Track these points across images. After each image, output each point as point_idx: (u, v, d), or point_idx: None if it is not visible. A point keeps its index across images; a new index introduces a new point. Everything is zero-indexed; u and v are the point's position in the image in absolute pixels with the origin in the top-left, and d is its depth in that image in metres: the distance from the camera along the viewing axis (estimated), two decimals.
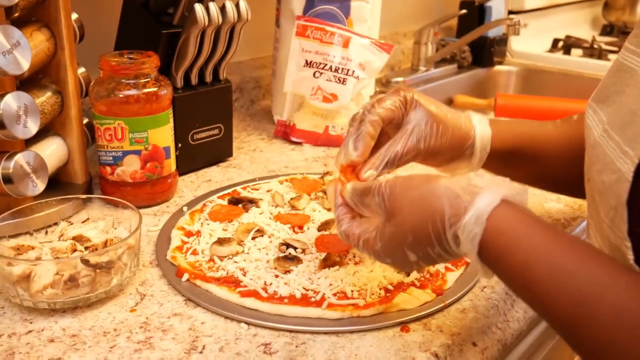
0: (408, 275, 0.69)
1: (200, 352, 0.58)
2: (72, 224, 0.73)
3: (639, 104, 0.48)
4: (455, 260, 0.73)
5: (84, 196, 0.75)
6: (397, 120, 0.67)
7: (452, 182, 0.52)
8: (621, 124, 0.49)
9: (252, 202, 0.85)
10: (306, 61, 1.13)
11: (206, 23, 0.88)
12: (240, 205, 0.85)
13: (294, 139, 1.16)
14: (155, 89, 0.83)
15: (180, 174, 0.98)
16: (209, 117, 1.00)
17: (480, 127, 0.72)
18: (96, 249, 0.67)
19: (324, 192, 0.87)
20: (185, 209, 0.85)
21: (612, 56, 1.95)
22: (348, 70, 1.11)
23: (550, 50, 2.02)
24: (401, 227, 0.53)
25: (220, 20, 0.90)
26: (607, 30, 2.41)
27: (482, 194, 0.49)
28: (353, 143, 0.65)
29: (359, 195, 0.58)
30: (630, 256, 0.46)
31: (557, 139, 0.75)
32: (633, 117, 0.47)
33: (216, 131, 1.02)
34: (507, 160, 0.74)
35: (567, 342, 0.47)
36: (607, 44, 2.06)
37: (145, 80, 0.83)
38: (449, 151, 0.70)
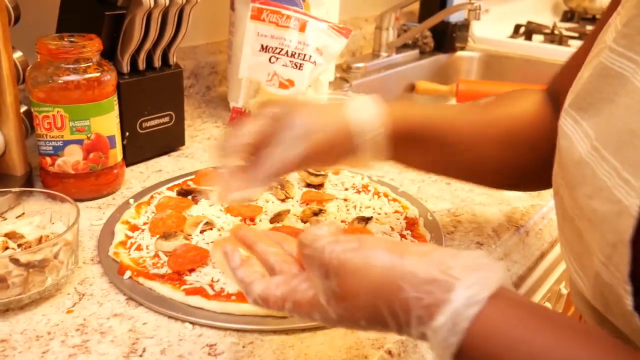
0: None
1: (140, 355, 0.55)
2: (5, 219, 0.69)
3: (638, 121, 0.41)
4: None
5: (16, 189, 0.71)
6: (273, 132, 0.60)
7: (422, 263, 0.40)
8: (617, 144, 0.42)
9: (202, 193, 0.81)
10: (262, 46, 1.09)
11: (152, 4, 0.84)
12: (189, 197, 0.81)
13: None
14: (97, 74, 0.79)
15: (129, 165, 0.93)
16: (158, 104, 0.95)
17: (358, 112, 0.62)
18: (30, 246, 0.62)
19: (278, 183, 0.83)
20: (131, 201, 0.81)
21: (572, 42, 1.96)
22: (305, 55, 1.08)
23: (512, 36, 2.02)
24: (352, 314, 0.42)
25: (167, 2, 0.86)
26: (567, 16, 2.43)
27: (459, 288, 0.38)
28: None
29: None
30: (629, 301, 0.40)
31: (463, 122, 0.68)
32: (632, 138, 0.41)
33: (167, 119, 0.97)
34: (406, 146, 0.64)
35: None
36: (567, 29, 2.07)
37: (87, 64, 0.78)
38: (331, 146, 0.61)
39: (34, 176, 0.86)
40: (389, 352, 0.57)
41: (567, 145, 0.49)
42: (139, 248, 0.69)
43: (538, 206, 0.87)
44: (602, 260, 0.42)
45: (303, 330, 0.59)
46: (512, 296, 0.40)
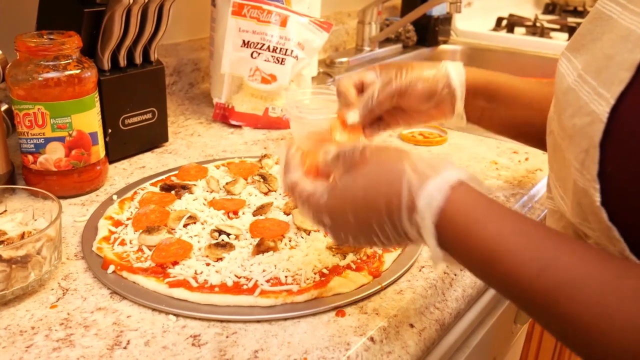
0: (341, 252, 0.67)
1: (125, 348, 0.55)
2: None
3: (615, 48, 0.47)
4: None
5: None
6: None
7: (422, 157, 0.50)
8: (597, 68, 0.48)
9: (185, 188, 0.81)
10: (243, 41, 1.09)
11: (131, 1, 0.84)
12: (172, 192, 0.81)
13: (233, 122, 1.12)
14: (77, 71, 0.79)
15: (112, 161, 0.93)
16: (140, 100, 0.95)
17: (452, 64, 0.77)
18: (12, 242, 0.62)
19: (261, 176, 0.84)
20: (115, 197, 0.81)
21: (553, 34, 1.97)
22: (286, 50, 1.08)
23: (494, 29, 2.03)
24: (356, 180, 0.51)
25: None
26: (549, 9, 2.45)
27: (448, 169, 0.48)
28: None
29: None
30: (597, 198, 0.46)
31: (537, 91, 0.78)
32: (609, 61, 0.47)
33: (149, 115, 0.97)
34: (488, 99, 0.78)
35: (540, 320, 0.45)
36: (549, 22, 2.08)
37: (67, 61, 0.78)
38: (425, 89, 0.75)
39: (17, 174, 0.86)
40: (371, 339, 0.57)
41: (559, 80, 0.55)
42: (122, 243, 0.69)
43: (519, 194, 0.88)
44: (577, 167, 0.48)
45: (286, 319, 0.59)
46: (485, 196, 0.48)
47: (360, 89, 0.76)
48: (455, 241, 0.47)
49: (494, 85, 0.79)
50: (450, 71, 0.77)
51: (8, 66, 0.80)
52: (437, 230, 0.47)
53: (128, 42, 0.90)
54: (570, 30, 1.93)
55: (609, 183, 0.45)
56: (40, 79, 0.77)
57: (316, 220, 0.54)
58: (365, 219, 0.51)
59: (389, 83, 0.74)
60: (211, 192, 0.82)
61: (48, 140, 0.79)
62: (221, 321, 0.59)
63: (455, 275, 0.70)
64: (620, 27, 0.48)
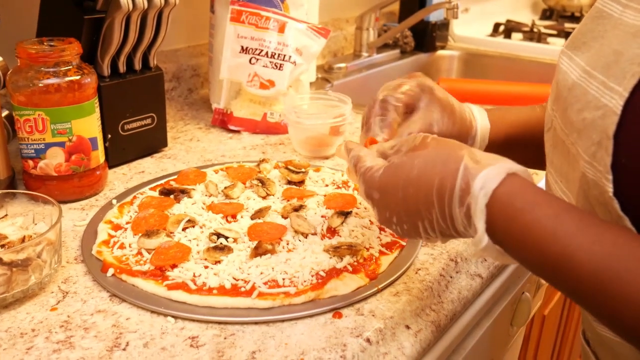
0: (338, 254, 0.68)
1: (124, 349, 0.56)
2: None
3: (624, 44, 0.49)
4: (391, 244, 0.72)
5: None
6: (413, 105, 0.71)
7: (480, 152, 0.53)
8: (605, 63, 0.50)
9: (184, 192, 0.82)
10: (242, 47, 1.10)
11: (130, 7, 0.85)
12: (171, 196, 0.82)
13: (231, 127, 1.13)
14: (77, 77, 0.80)
15: (112, 166, 0.94)
16: (139, 106, 0.96)
17: (481, 120, 0.74)
18: (13, 246, 0.63)
19: (259, 180, 0.85)
20: (114, 201, 0.82)
21: (551, 39, 1.99)
22: (284, 55, 1.09)
23: (492, 35, 2.04)
24: (413, 159, 0.53)
25: (146, 5, 0.87)
26: (546, 14, 2.46)
27: (506, 162, 0.50)
28: (380, 127, 0.68)
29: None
30: (610, 189, 0.47)
31: (542, 118, 0.74)
32: (618, 57, 0.48)
33: (148, 121, 0.98)
34: (501, 147, 0.75)
35: (590, 304, 0.44)
36: (546, 27, 2.10)
37: (67, 68, 0.79)
38: (455, 139, 0.72)
39: (17, 180, 0.87)
40: (367, 340, 0.58)
41: (562, 77, 0.56)
42: (122, 246, 0.70)
43: None
44: (587, 159, 0.49)
45: (283, 321, 0.60)
46: (538, 186, 0.49)
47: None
48: (507, 223, 0.47)
49: (510, 136, 0.76)
50: (478, 124, 0.74)
51: (9, 72, 0.81)
52: (488, 212, 0.48)
53: (127, 48, 0.91)
54: (567, 36, 1.94)
55: (622, 174, 0.46)
56: (40, 85, 0.77)
57: (367, 195, 0.57)
58: (414, 197, 0.52)
59: (430, 129, 0.70)
60: (210, 196, 0.83)
61: (48, 145, 0.80)
62: (219, 323, 0.60)
63: (451, 277, 0.70)
64: (626, 25, 0.50)
